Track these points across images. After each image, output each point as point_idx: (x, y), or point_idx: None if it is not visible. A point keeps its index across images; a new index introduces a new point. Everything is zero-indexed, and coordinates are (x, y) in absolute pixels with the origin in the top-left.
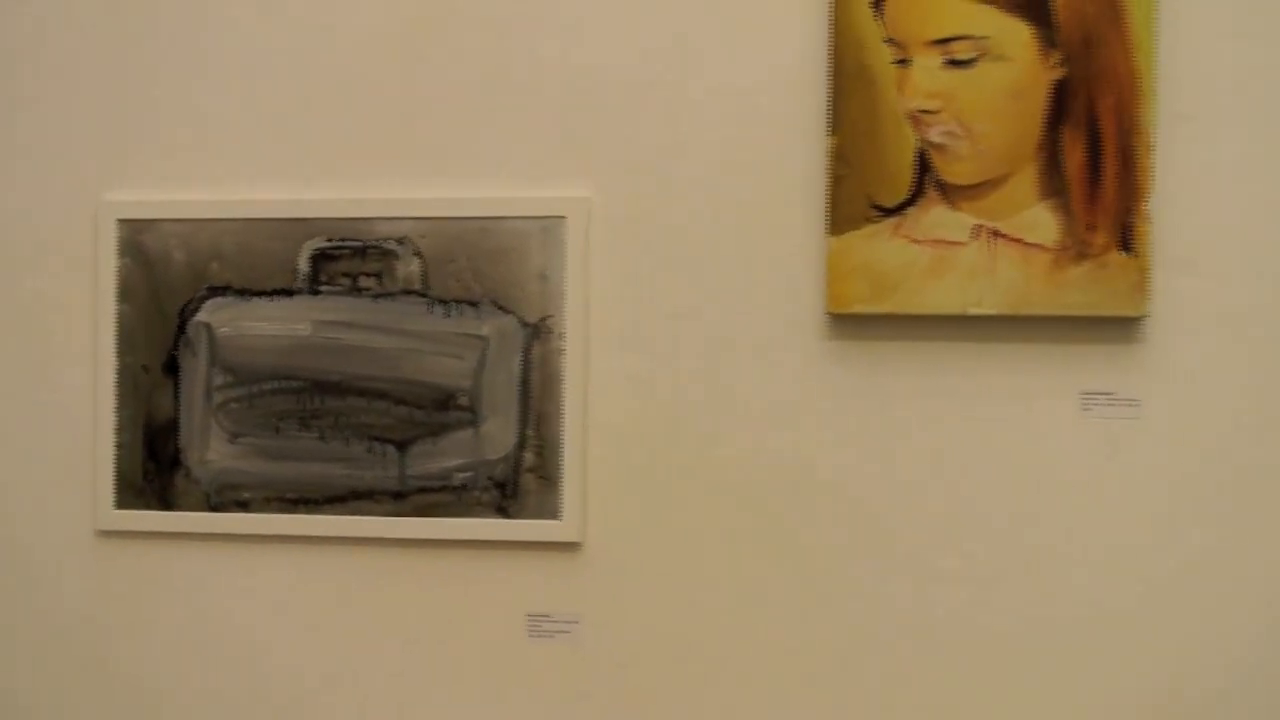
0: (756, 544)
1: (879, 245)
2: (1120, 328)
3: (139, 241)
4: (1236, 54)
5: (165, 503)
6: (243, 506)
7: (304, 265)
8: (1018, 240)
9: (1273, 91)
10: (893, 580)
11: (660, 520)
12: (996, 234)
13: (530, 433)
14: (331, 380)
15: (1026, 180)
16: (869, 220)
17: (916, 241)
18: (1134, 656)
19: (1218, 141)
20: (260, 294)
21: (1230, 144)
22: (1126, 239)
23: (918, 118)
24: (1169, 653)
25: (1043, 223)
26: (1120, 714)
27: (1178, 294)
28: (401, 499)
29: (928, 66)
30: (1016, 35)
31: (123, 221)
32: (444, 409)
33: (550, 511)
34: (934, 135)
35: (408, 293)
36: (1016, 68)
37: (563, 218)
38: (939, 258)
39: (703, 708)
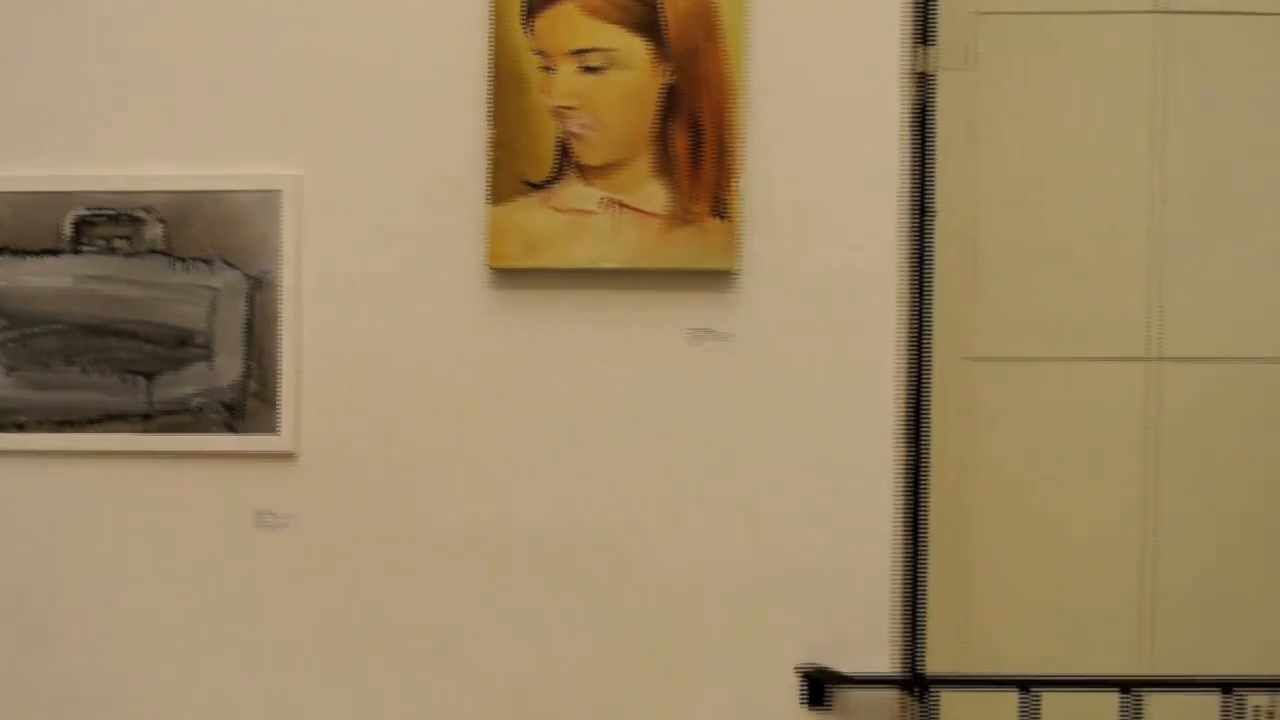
0: (435, 454)
1: (529, 213)
2: (717, 278)
3: None
4: (810, 65)
5: None
6: (20, 428)
7: (68, 230)
8: (637, 209)
9: (837, 93)
10: (538, 479)
11: (360, 434)
12: (620, 205)
13: (254, 364)
14: (91, 324)
15: (644, 162)
16: (521, 194)
17: (558, 210)
18: (720, 542)
19: (793, 133)
20: (31, 253)
21: (804, 135)
22: (721, 209)
23: (559, 113)
24: (748, 534)
25: (656, 195)
26: (707, 605)
27: (761, 252)
28: (149, 420)
29: (567, 72)
30: (636, 49)
31: None
32: (184, 346)
33: (270, 428)
34: (572, 126)
35: (154, 252)
36: (636, 74)
37: (279, 191)
38: (576, 223)
39: (396, 585)
